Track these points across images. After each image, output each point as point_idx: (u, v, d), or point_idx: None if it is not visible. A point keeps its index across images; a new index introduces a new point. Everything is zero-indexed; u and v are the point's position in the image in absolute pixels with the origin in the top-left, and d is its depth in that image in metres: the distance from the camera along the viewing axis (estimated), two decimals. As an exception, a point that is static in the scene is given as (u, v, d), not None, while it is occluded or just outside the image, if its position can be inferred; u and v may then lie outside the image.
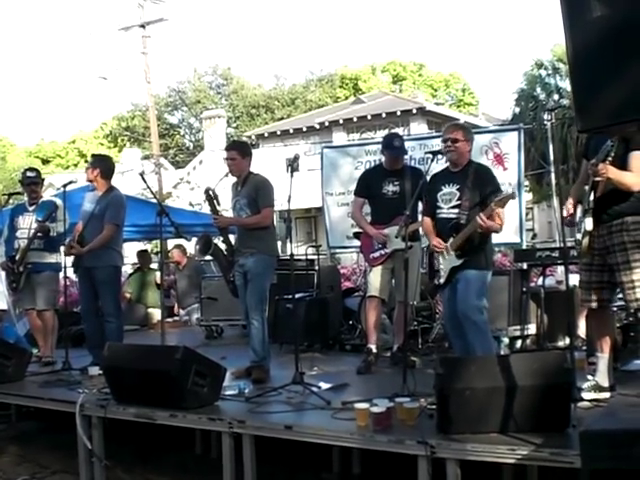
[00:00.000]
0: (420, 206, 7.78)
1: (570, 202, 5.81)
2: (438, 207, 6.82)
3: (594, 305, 5.74)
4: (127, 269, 14.97)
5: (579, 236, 5.65)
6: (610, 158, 5.27)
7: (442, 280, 6.73)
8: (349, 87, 54.39)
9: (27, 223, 8.88)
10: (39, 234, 8.68)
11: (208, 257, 9.02)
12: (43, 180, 9.27)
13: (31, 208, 8.98)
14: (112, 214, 8.21)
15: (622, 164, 5.32)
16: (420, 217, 7.82)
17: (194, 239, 11.16)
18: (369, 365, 7.68)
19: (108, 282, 8.25)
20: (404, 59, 57.92)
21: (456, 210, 6.63)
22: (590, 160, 5.74)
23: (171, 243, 15.90)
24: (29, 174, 9.16)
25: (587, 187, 5.55)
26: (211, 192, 7.61)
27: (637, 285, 5.40)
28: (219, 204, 7.62)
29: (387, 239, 7.76)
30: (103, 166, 8.44)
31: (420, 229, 7.79)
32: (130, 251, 15.84)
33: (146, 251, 15.29)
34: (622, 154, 5.34)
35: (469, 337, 6.57)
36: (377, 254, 7.91)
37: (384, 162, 8.18)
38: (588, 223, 5.50)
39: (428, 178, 7.22)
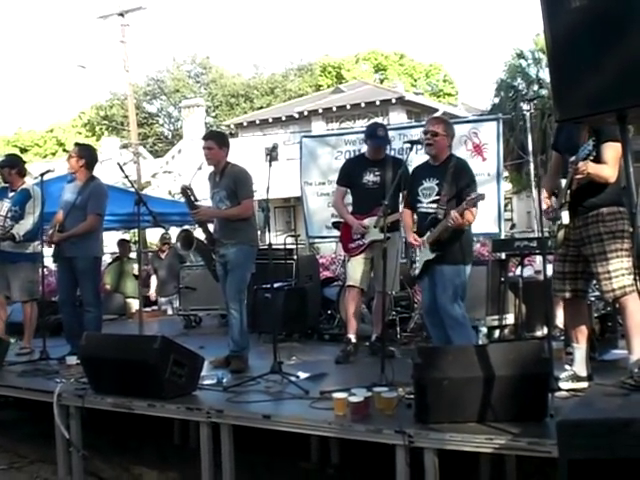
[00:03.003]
0: (401, 196, 7.81)
1: (545, 195, 5.84)
2: (419, 201, 6.85)
3: (567, 295, 5.78)
4: (106, 258, 14.91)
5: (555, 228, 5.68)
6: (592, 157, 5.29)
7: (417, 272, 6.82)
8: (332, 76, 54.35)
9: (3, 210, 8.79)
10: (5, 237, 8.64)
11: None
12: (13, 165, 9.01)
13: (10, 194, 8.90)
14: (95, 204, 8.18)
15: (595, 155, 5.35)
16: (401, 208, 7.86)
17: (173, 228, 11.15)
18: (348, 355, 7.69)
19: (88, 272, 8.22)
20: (385, 49, 57.99)
21: (434, 205, 6.66)
22: (561, 153, 5.78)
23: (149, 232, 15.87)
24: (2, 159, 9.13)
25: (563, 181, 5.56)
26: (188, 190, 7.57)
27: (613, 276, 5.44)
28: (196, 200, 7.58)
29: (366, 230, 7.76)
30: (88, 157, 8.39)
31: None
32: (108, 240, 15.78)
33: (127, 240, 15.25)
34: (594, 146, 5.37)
35: (448, 331, 6.62)
36: (355, 244, 7.92)
37: (366, 151, 8.17)
38: (564, 216, 5.52)
39: (410, 169, 7.24)
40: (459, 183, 6.59)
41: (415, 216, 7.01)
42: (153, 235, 24.05)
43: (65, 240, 8.10)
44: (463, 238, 6.70)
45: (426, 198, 6.77)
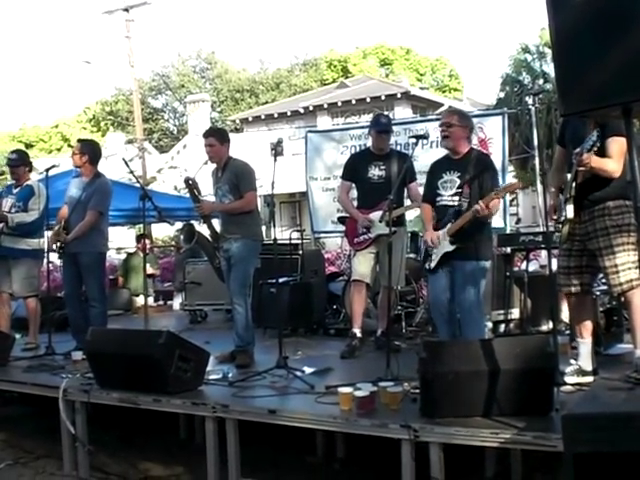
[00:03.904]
0: (405, 191, 7.82)
1: (552, 190, 5.84)
2: (438, 194, 6.78)
3: (573, 290, 5.77)
4: (111, 254, 14.94)
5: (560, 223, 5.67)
6: (596, 148, 5.27)
7: (433, 264, 6.74)
8: (338, 70, 54.31)
9: (7, 205, 8.87)
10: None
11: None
12: (26, 162, 9.11)
13: (15, 190, 8.96)
14: (96, 201, 8.18)
15: (600, 150, 5.34)
16: (405, 202, 7.87)
17: (177, 223, 11.18)
18: (353, 349, 7.69)
19: (93, 267, 8.23)
20: (391, 43, 57.87)
21: (456, 197, 6.62)
22: (566, 147, 5.76)
23: (155, 228, 15.89)
24: (9, 156, 9.18)
25: (569, 175, 5.56)
26: (191, 181, 7.60)
27: (620, 269, 5.43)
28: (200, 193, 7.60)
29: (372, 224, 7.75)
30: (91, 152, 8.38)
31: (406, 214, 7.86)
32: (114, 235, 15.81)
33: (145, 236, 15.27)
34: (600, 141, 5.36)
35: (463, 327, 6.61)
36: (361, 239, 7.91)
37: (371, 144, 8.16)
38: (569, 210, 5.51)
39: (416, 165, 7.23)
40: (482, 175, 6.57)
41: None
42: (159, 231, 24.08)
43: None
44: (484, 232, 6.70)
45: (447, 191, 6.71)
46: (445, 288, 6.72)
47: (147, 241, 14.08)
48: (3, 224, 8.71)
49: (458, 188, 6.63)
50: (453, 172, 6.70)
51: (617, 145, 5.29)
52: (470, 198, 6.51)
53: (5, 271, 8.88)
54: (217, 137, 7.54)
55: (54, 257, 8.52)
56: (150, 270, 13.16)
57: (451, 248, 6.56)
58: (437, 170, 6.89)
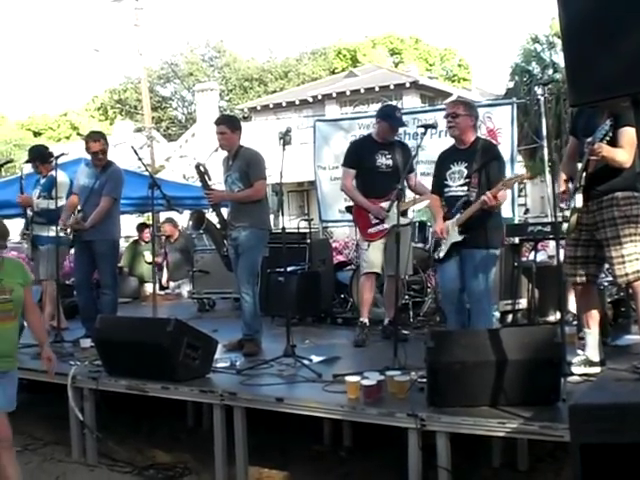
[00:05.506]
0: (405, 182, 7.78)
1: (563, 177, 5.84)
2: (446, 185, 6.76)
3: (578, 280, 5.77)
4: (121, 242, 14.91)
5: (567, 213, 5.66)
6: (608, 137, 5.26)
7: (442, 254, 6.72)
8: (346, 59, 54.17)
9: (35, 195, 9.15)
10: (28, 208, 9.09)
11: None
12: (36, 157, 9.26)
13: (42, 181, 9.22)
14: (110, 187, 8.24)
15: (612, 140, 5.33)
16: (406, 192, 7.87)
17: (186, 212, 11.20)
18: (365, 338, 7.71)
19: (107, 255, 8.31)
20: (400, 33, 57.73)
21: (465, 188, 6.61)
22: (579, 137, 5.74)
23: (163, 216, 15.83)
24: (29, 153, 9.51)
25: (579, 164, 5.55)
26: (202, 167, 7.61)
27: (627, 260, 5.42)
28: (210, 179, 7.62)
29: (388, 214, 7.70)
30: (107, 142, 8.50)
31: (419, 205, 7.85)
32: (122, 224, 15.81)
33: (146, 225, 15.22)
34: (612, 130, 5.35)
35: (472, 316, 6.60)
36: (375, 230, 7.83)
37: (376, 133, 8.06)
38: (578, 200, 5.51)
39: (424, 154, 7.21)
40: (489, 165, 6.56)
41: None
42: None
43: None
44: (493, 221, 6.65)
45: (454, 182, 6.70)
46: (455, 277, 6.71)
47: (147, 230, 14.09)
48: (33, 213, 9.08)
49: (466, 178, 6.61)
50: (461, 162, 6.69)
51: (629, 136, 5.26)
52: (478, 188, 6.50)
53: (36, 259, 9.21)
54: (229, 125, 7.54)
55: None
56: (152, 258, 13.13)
57: (459, 238, 6.54)
58: (445, 161, 6.88)
